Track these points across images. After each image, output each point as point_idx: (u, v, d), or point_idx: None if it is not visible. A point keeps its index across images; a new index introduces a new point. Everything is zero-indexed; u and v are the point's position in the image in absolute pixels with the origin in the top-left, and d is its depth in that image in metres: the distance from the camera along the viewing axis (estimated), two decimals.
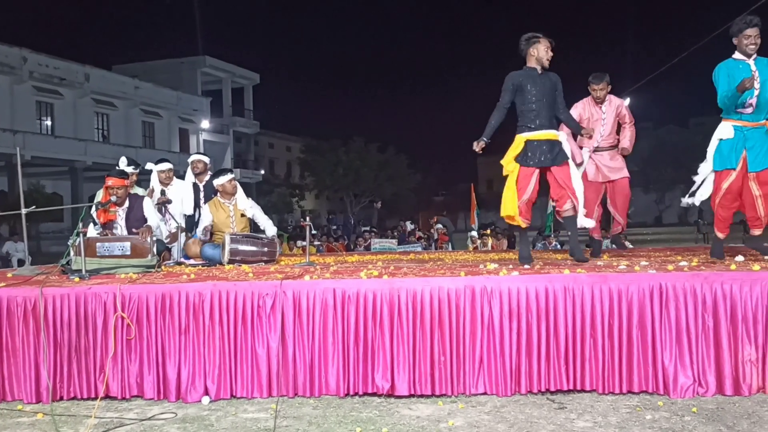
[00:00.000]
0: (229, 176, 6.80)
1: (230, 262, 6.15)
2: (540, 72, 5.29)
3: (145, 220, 5.94)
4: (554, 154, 5.24)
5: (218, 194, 6.80)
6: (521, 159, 5.27)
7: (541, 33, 5.28)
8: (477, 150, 5.32)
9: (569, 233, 5.59)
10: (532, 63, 5.29)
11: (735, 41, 5.04)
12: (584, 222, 5.46)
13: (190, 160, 7.65)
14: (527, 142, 5.25)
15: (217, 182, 6.77)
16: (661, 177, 53.99)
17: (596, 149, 6.20)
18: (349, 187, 42.73)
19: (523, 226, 5.38)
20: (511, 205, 5.26)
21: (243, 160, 45.12)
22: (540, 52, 5.25)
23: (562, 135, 5.36)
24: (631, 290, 4.13)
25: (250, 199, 7.05)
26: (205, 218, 6.74)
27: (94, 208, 5.99)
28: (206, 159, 7.52)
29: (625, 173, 6.27)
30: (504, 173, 5.36)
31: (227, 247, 6.17)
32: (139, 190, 6.84)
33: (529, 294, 4.17)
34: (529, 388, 4.12)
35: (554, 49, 5.30)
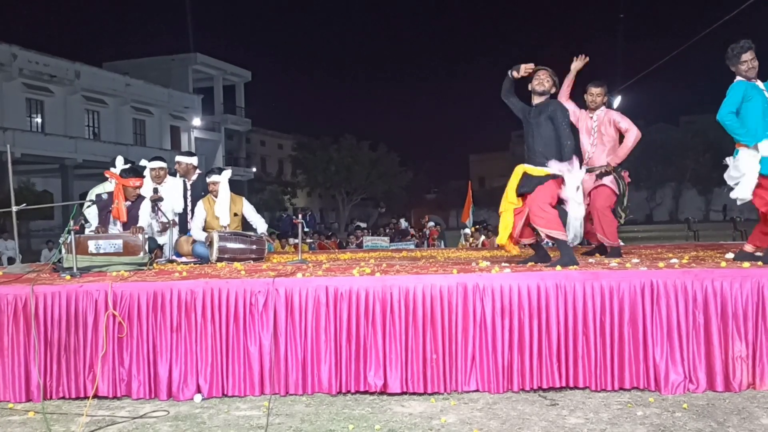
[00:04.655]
0: (212, 178, 6.78)
1: (219, 260, 6.16)
2: (535, 105, 5.16)
3: (138, 219, 5.95)
4: (532, 185, 5.06)
5: (210, 192, 6.82)
6: (519, 191, 5.15)
7: (542, 62, 5.16)
8: (523, 70, 5.10)
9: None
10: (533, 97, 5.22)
11: (733, 69, 4.96)
12: (555, 235, 5.02)
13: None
14: (524, 174, 5.11)
15: (209, 179, 6.77)
16: (651, 175, 54.28)
17: (590, 170, 5.80)
18: (341, 185, 42.72)
19: (514, 252, 5.36)
20: (504, 236, 5.17)
21: (234, 158, 44.99)
22: (531, 85, 5.16)
23: (563, 172, 4.96)
24: (622, 287, 4.15)
25: (244, 200, 7.08)
26: (199, 214, 6.76)
27: (85, 206, 5.98)
28: (188, 160, 7.44)
29: (597, 181, 5.78)
30: (503, 207, 5.24)
31: (215, 245, 6.18)
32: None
33: (521, 291, 4.18)
34: (522, 385, 4.13)
35: (551, 69, 5.16)
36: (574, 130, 5.76)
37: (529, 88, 5.20)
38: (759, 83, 4.92)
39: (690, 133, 53.83)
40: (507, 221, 5.17)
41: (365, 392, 4.20)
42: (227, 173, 6.89)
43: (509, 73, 5.18)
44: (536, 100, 5.19)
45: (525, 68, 5.12)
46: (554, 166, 4.97)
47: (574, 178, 4.97)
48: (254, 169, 46.55)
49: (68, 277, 4.70)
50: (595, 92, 5.90)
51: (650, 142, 50.93)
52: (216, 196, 6.78)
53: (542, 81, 5.13)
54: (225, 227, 6.69)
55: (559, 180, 5.02)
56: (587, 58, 5.93)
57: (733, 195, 4.94)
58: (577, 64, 5.92)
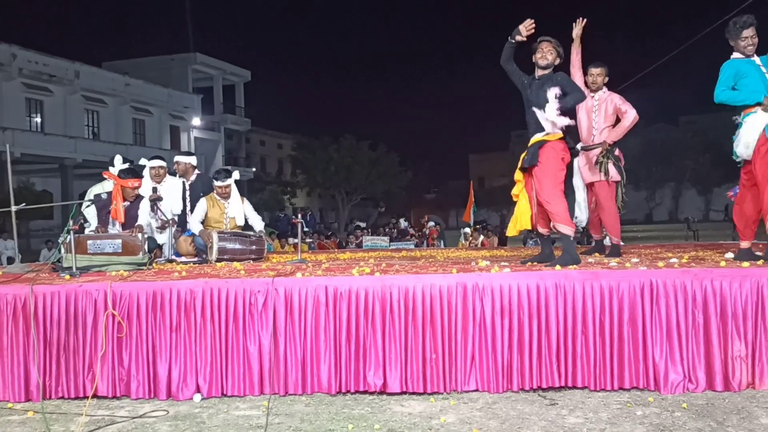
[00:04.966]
0: (226, 182, 6.85)
1: (219, 260, 6.17)
2: (538, 77, 5.11)
3: (137, 219, 5.96)
4: (531, 155, 5.03)
5: (221, 196, 6.89)
6: (525, 165, 5.14)
7: (544, 35, 5.11)
8: (524, 30, 4.99)
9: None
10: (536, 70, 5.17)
11: (732, 43, 4.95)
12: (561, 228, 4.98)
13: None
14: (527, 149, 5.12)
15: (222, 183, 6.84)
16: (651, 175, 54.34)
17: (585, 148, 5.88)
18: (341, 185, 42.73)
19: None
20: (525, 219, 5.15)
21: (234, 158, 44.99)
22: (535, 58, 5.13)
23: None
24: (622, 287, 4.15)
25: (244, 198, 7.11)
26: (200, 209, 6.82)
27: (84, 205, 5.98)
28: (186, 159, 7.45)
29: (600, 176, 5.70)
30: (515, 191, 5.25)
31: (215, 246, 6.18)
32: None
33: (521, 291, 4.18)
34: (521, 385, 4.13)
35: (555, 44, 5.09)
36: (573, 111, 5.73)
37: (533, 60, 5.14)
38: (756, 59, 4.91)
39: (689, 133, 53.88)
40: (523, 207, 5.16)
41: (365, 392, 4.19)
42: (236, 175, 6.95)
43: (510, 39, 5.06)
44: (539, 73, 5.13)
45: (526, 28, 5.00)
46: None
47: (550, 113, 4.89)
48: (254, 169, 46.56)
49: (67, 276, 4.69)
50: (595, 72, 5.86)
51: (650, 142, 51.11)
52: (227, 198, 6.87)
53: (545, 54, 5.06)
54: (240, 227, 6.82)
55: (556, 143, 4.96)
56: (585, 20, 5.86)
57: (736, 148, 4.93)
58: (577, 30, 5.86)
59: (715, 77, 5.05)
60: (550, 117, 4.89)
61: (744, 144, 4.88)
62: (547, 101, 4.93)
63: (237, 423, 3.73)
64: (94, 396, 4.17)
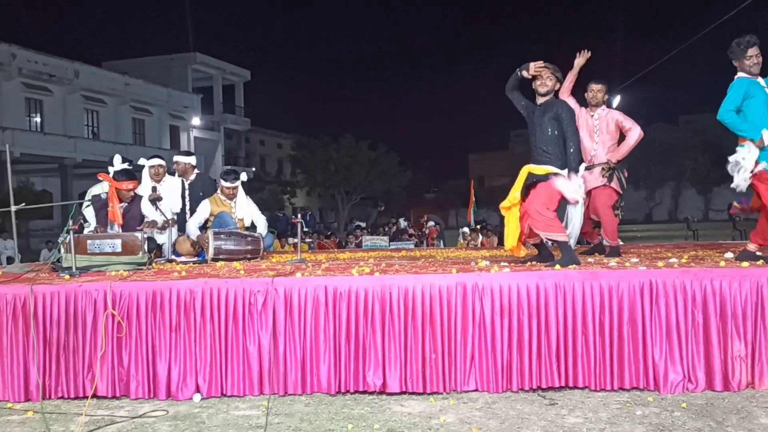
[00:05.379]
0: (236, 183, 6.92)
1: (215, 259, 6.18)
2: (540, 104, 5.14)
3: (143, 218, 5.99)
4: (539, 180, 5.05)
5: (220, 191, 6.90)
6: (524, 192, 5.13)
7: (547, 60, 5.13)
8: (532, 69, 5.05)
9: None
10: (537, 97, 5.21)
11: (736, 64, 4.91)
12: (554, 237, 5.02)
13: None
14: (529, 174, 5.11)
15: (232, 184, 6.91)
16: (651, 174, 54.35)
17: (588, 167, 5.73)
18: (341, 185, 42.73)
19: (523, 254, 5.39)
20: (513, 238, 5.15)
21: (234, 157, 44.99)
22: (534, 85, 5.15)
23: (562, 179, 4.98)
24: (621, 287, 4.15)
25: (249, 198, 7.13)
26: (202, 212, 6.82)
27: (84, 205, 5.98)
28: (186, 159, 7.46)
29: (601, 181, 5.77)
30: (505, 206, 5.23)
31: (211, 245, 6.18)
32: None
33: (521, 291, 4.18)
34: (521, 384, 4.13)
35: (556, 70, 5.14)
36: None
37: (533, 87, 5.18)
38: (761, 80, 4.89)
39: (689, 133, 53.96)
40: (513, 225, 5.15)
41: (364, 392, 4.19)
42: (244, 176, 7.03)
43: (518, 71, 5.14)
44: (540, 100, 5.17)
45: (534, 67, 5.08)
46: (558, 169, 4.99)
47: (571, 189, 4.96)
48: (253, 169, 46.56)
49: (67, 276, 4.69)
50: (595, 89, 5.89)
51: (649, 142, 51.03)
52: (233, 198, 6.92)
53: (544, 81, 5.10)
54: (247, 228, 6.89)
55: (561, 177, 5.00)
56: (589, 53, 5.90)
57: (734, 184, 4.94)
58: (579, 60, 5.90)
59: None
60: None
61: (741, 179, 4.88)
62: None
63: (237, 423, 3.74)
64: (94, 396, 4.17)
